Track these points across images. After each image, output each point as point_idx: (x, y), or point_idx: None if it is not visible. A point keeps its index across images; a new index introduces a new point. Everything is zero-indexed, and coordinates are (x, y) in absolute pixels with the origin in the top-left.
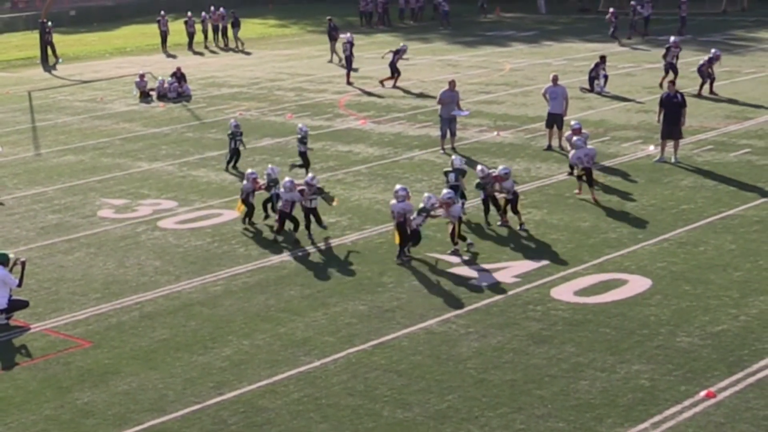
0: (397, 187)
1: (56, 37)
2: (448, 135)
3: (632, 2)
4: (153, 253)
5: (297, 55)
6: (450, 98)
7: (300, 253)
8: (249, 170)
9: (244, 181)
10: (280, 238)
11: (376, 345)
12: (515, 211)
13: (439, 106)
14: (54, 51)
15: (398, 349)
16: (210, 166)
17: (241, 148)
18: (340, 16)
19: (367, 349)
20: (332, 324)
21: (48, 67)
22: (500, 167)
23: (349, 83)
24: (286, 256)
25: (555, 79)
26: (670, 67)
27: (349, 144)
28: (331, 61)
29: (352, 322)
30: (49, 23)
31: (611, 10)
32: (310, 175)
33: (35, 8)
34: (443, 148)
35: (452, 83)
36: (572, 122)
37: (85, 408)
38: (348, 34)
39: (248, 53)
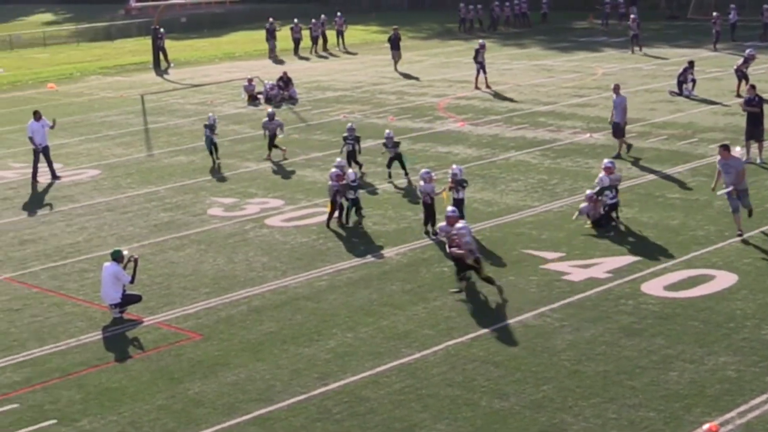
0: (423, 171)
1: (168, 43)
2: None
3: (631, 16)
4: (261, 249)
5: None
6: (735, 167)
7: (402, 250)
8: (334, 169)
9: (329, 181)
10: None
11: (474, 337)
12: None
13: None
14: (166, 56)
15: (495, 341)
16: (315, 166)
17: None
18: (439, 22)
19: (466, 341)
20: (432, 317)
21: (160, 71)
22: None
23: (477, 87)
24: (388, 252)
25: (617, 89)
26: (742, 75)
27: (449, 145)
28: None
29: (451, 315)
30: (162, 29)
31: (715, 14)
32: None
33: (148, 15)
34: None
35: (724, 147)
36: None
37: (195, 398)
38: (481, 41)
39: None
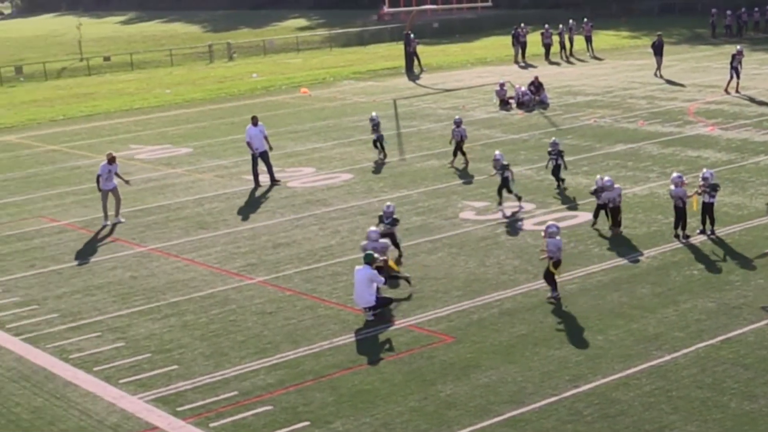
0: (674, 175)
1: (420, 48)
2: None
3: None
4: (512, 252)
5: (649, 65)
6: None
7: (652, 253)
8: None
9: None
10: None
11: (724, 340)
12: None
13: None
14: (419, 61)
15: (745, 343)
16: (565, 171)
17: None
18: (688, 27)
19: (715, 343)
20: (682, 320)
21: (412, 76)
22: None
23: (727, 92)
24: (637, 256)
25: None
26: None
27: (698, 149)
28: None
29: (701, 318)
30: (413, 35)
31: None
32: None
33: (400, 21)
34: None
35: None
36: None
37: (447, 400)
38: (739, 47)
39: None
